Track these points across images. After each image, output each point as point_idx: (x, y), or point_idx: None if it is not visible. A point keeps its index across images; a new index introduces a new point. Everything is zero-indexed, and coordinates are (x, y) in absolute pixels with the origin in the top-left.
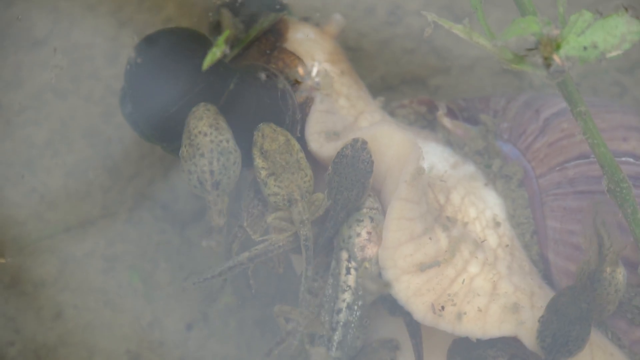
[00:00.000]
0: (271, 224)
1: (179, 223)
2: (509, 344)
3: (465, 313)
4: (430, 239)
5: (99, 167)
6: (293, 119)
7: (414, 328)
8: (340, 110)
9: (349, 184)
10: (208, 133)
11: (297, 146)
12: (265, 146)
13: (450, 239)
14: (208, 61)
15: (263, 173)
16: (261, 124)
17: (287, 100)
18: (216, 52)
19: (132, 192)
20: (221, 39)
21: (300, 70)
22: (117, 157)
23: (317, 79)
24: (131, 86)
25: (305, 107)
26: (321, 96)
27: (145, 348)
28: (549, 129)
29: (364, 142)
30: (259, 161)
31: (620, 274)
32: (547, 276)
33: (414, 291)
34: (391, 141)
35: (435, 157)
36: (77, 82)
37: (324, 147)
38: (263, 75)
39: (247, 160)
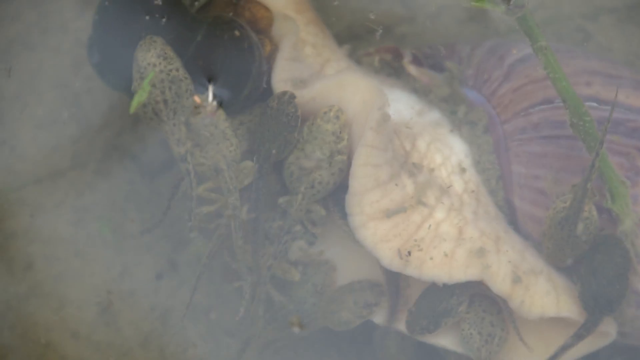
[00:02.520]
0: (201, 194)
1: (148, 174)
2: (466, 286)
3: (431, 258)
4: (396, 185)
5: (68, 118)
6: (260, 70)
7: (392, 276)
8: (307, 59)
9: (271, 136)
10: (157, 64)
11: (222, 116)
12: (190, 118)
13: (417, 185)
14: (134, 105)
15: (189, 144)
16: None
17: (253, 51)
18: (142, 95)
19: (101, 144)
20: (146, 81)
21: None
22: (86, 108)
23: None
24: (99, 36)
25: (271, 58)
26: (287, 45)
27: (115, 298)
28: (513, 74)
29: (292, 96)
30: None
31: (594, 210)
32: (512, 221)
33: (380, 237)
34: (357, 88)
35: (401, 104)
36: (46, 34)
37: None
38: (233, 30)
39: None
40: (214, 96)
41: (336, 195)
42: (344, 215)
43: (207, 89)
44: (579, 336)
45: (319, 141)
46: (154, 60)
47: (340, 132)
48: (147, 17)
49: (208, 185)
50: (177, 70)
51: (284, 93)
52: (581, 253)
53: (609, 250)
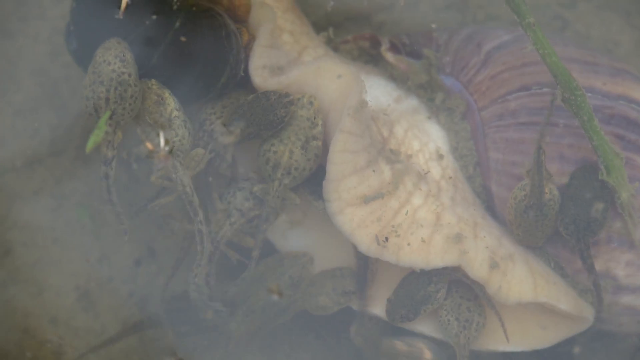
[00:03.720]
0: (154, 182)
1: (127, 160)
2: (443, 272)
3: (409, 244)
4: (373, 171)
5: (47, 105)
6: (237, 58)
7: (363, 260)
8: (284, 46)
9: (248, 120)
10: (112, 63)
11: (171, 106)
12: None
13: (394, 171)
14: (90, 145)
15: (138, 129)
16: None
17: (231, 39)
18: (98, 134)
19: (79, 130)
20: (102, 120)
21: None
22: (65, 95)
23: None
24: (76, 23)
25: (249, 47)
26: (265, 32)
27: (94, 284)
28: (490, 61)
29: (290, 102)
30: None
31: (554, 189)
32: (490, 207)
33: (358, 223)
34: (334, 75)
35: (379, 91)
36: (25, 22)
37: (268, 82)
38: (210, 18)
39: (185, 99)
40: (166, 142)
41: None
42: (315, 195)
43: (159, 135)
44: (587, 269)
45: (294, 127)
46: (110, 59)
47: (314, 118)
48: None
49: (161, 174)
50: (129, 75)
51: (287, 96)
52: (552, 231)
53: (587, 176)
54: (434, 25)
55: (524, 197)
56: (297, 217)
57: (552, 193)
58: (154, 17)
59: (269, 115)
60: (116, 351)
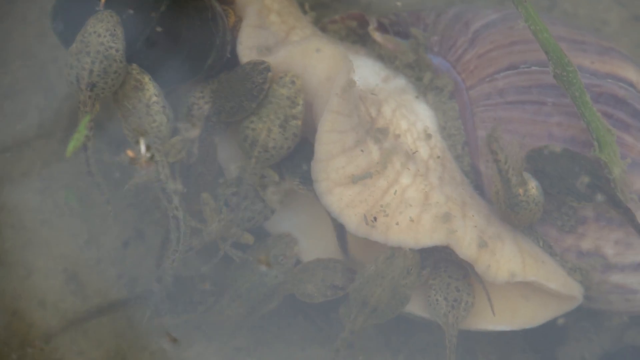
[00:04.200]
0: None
1: (114, 141)
2: (430, 252)
3: (397, 223)
4: (362, 151)
5: (34, 87)
6: (223, 40)
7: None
8: (271, 26)
9: (228, 94)
10: (102, 35)
11: (150, 91)
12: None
13: (382, 151)
14: (71, 149)
15: (119, 112)
16: None
17: (217, 21)
18: (78, 139)
19: (67, 112)
20: (82, 124)
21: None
22: (52, 77)
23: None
24: (62, 5)
25: (235, 29)
26: (252, 12)
27: (82, 266)
28: (478, 40)
29: (267, 69)
30: (113, 101)
31: (534, 188)
32: (478, 186)
33: (346, 203)
34: (322, 55)
35: (367, 70)
36: (12, 3)
37: None
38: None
39: (171, 82)
40: (147, 148)
41: (290, 161)
42: (301, 179)
43: (139, 142)
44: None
45: (274, 105)
46: (101, 32)
47: (295, 97)
48: None
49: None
50: (117, 51)
51: (262, 62)
52: (531, 222)
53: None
54: (399, 3)
55: (496, 192)
56: (285, 186)
57: (527, 194)
58: None
59: (247, 84)
60: (105, 332)
